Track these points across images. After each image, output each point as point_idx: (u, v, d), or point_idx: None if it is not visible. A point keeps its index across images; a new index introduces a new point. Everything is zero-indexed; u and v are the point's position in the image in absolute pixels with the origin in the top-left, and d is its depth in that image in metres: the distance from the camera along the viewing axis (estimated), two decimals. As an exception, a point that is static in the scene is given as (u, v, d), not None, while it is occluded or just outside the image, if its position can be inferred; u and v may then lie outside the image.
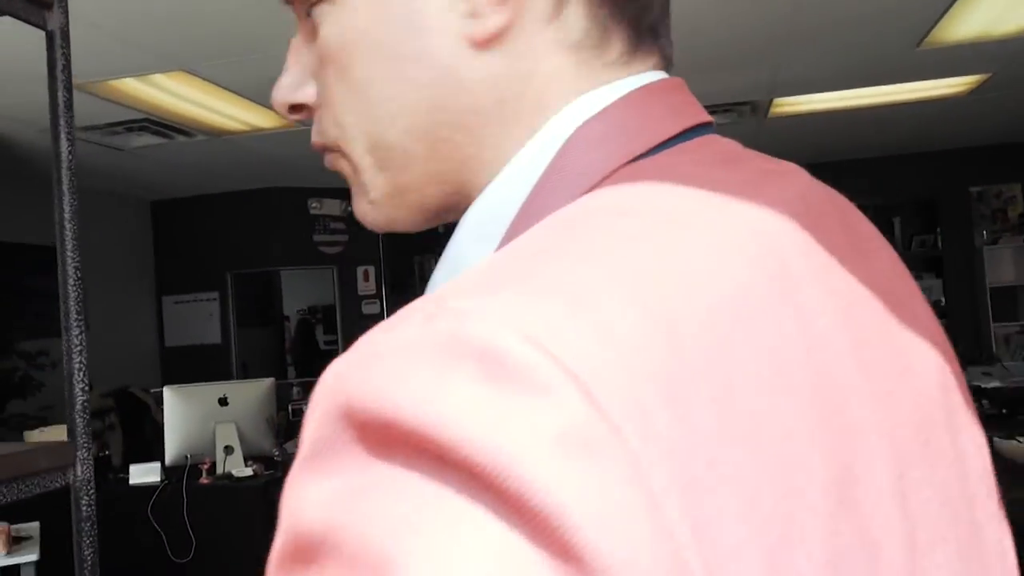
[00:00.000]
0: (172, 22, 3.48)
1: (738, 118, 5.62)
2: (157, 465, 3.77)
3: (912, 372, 0.37)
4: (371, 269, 7.44)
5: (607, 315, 0.27)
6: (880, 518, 0.30)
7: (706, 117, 0.43)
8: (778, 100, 5.35)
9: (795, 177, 0.42)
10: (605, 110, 0.39)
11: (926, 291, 7.28)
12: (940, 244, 7.16)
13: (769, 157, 0.44)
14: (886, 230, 7.36)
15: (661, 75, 0.43)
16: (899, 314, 0.39)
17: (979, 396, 5.00)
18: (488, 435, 0.24)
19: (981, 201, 7.35)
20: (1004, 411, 4.95)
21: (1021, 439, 3.82)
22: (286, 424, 6.64)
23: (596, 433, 0.24)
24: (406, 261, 8.09)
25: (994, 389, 4.94)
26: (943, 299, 7.12)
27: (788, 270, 0.33)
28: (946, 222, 7.14)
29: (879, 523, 0.30)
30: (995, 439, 3.76)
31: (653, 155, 0.38)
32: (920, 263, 7.37)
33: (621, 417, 0.25)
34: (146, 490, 3.65)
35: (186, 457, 3.73)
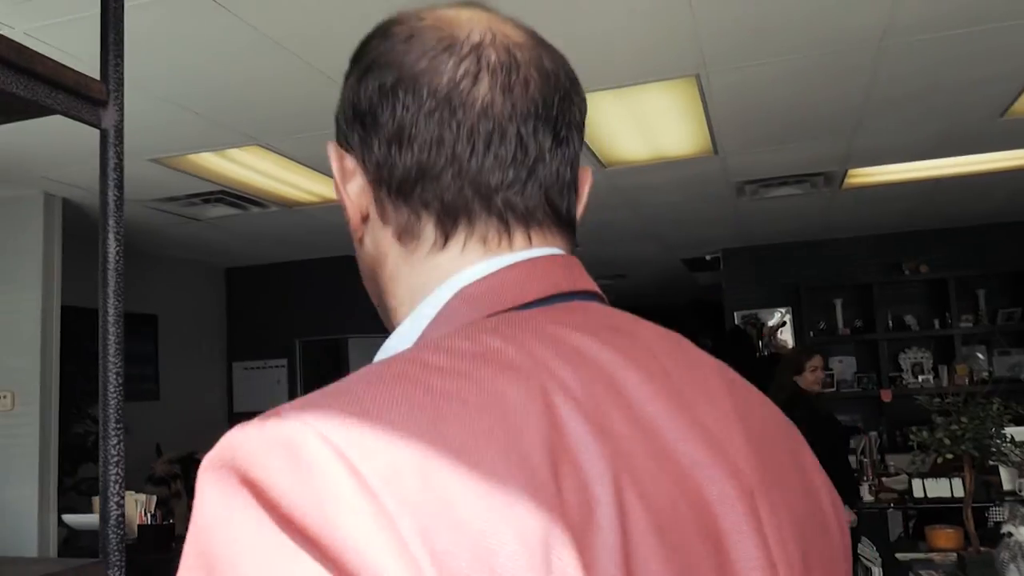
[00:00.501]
0: (247, 100, 3.58)
1: (812, 188, 5.49)
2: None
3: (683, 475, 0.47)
4: (437, 337, 7.42)
5: (379, 424, 0.42)
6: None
7: (546, 291, 0.55)
8: (853, 171, 5.21)
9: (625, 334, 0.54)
10: (468, 285, 0.55)
11: (1016, 367, 6.92)
12: (1030, 318, 6.81)
13: (612, 317, 0.56)
14: (971, 302, 7.07)
15: (523, 255, 0.56)
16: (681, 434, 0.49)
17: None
18: (288, 498, 0.39)
19: (1073, 273, 6.99)
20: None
21: None
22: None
23: (358, 498, 0.38)
24: (472, 329, 8.07)
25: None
26: (1035, 376, 6.74)
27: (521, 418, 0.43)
28: (1036, 295, 6.81)
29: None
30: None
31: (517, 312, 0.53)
32: (1008, 337, 7.01)
33: (379, 487, 0.39)
34: (207, 563, 3.61)
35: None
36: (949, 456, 2.82)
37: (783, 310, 7.53)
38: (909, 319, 7.11)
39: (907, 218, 6.83)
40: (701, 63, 3.41)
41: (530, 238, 0.57)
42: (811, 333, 7.21)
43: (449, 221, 0.55)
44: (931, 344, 7.09)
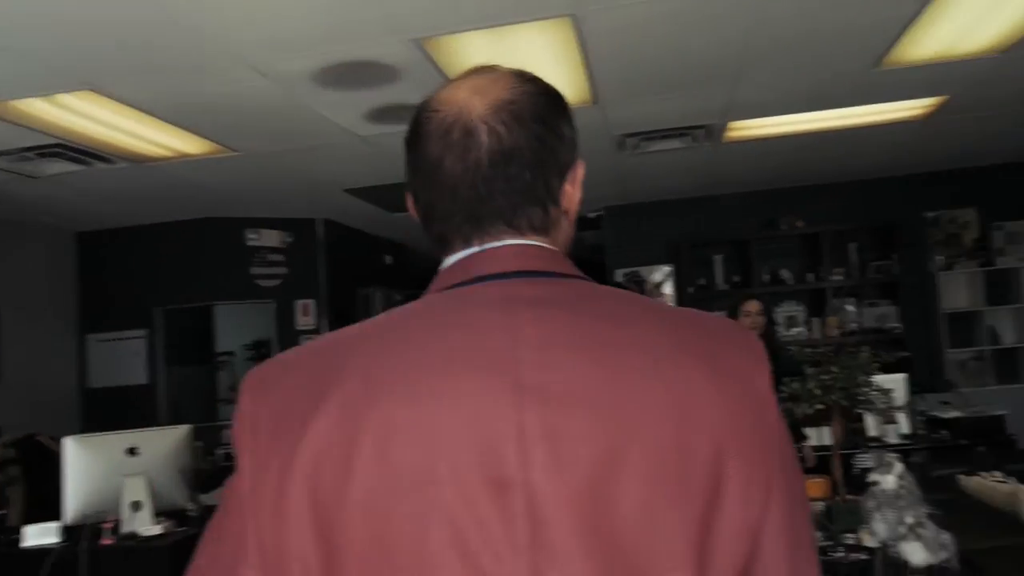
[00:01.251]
0: (75, 37, 3.18)
1: (693, 142, 5.44)
2: (55, 525, 3.39)
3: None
4: (311, 303, 7.11)
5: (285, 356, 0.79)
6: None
7: (501, 265, 0.80)
8: (733, 123, 5.18)
9: (535, 290, 0.78)
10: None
11: (882, 317, 7.16)
12: (896, 270, 7.04)
13: (537, 285, 0.78)
14: (842, 256, 7.25)
15: (468, 251, 0.82)
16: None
17: (939, 426, 4.82)
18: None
19: (936, 227, 7.27)
20: (963, 442, 4.77)
21: (985, 475, 3.61)
22: (212, 471, 6.24)
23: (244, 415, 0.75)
24: (349, 294, 7.77)
25: (953, 419, 4.76)
26: (900, 325, 7.00)
27: (459, 354, 0.72)
28: (902, 248, 7.04)
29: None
30: (959, 476, 3.55)
31: (445, 292, 0.81)
32: (877, 289, 7.25)
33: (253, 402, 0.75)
34: (41, 554, 3.27)
35: (89, 516, 3.36)
36: (820, 407, 2.77)
37: (665, 267, 7.56)
38: (784, 273, 7.25)
39: (784, 173, 6.92)
40: (576, 1, 3.23)
41: (479, 238, 0.83)
42: (690, 289, 7.26)
43: (438, 246, 0.86)
44: (805, 297, 7.26)
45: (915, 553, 2.24)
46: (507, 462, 0.67)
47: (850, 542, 2.62)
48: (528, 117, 0.82)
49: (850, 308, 7.20)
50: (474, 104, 0.82)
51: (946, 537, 2.25)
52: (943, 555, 2.24)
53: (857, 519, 2.75)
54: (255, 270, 6.84)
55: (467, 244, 0.83)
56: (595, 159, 5.85)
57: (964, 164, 7.10)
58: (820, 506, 3.11)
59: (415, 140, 0.85)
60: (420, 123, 0.85)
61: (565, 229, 0.89)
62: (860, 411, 2.83)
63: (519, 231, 0.82)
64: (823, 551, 2.45)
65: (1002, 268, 6.97)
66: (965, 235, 7.22)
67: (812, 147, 6.02)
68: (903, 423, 4.75)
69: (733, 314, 4.31)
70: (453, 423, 0.68)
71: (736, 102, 4.69)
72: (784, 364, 3.35)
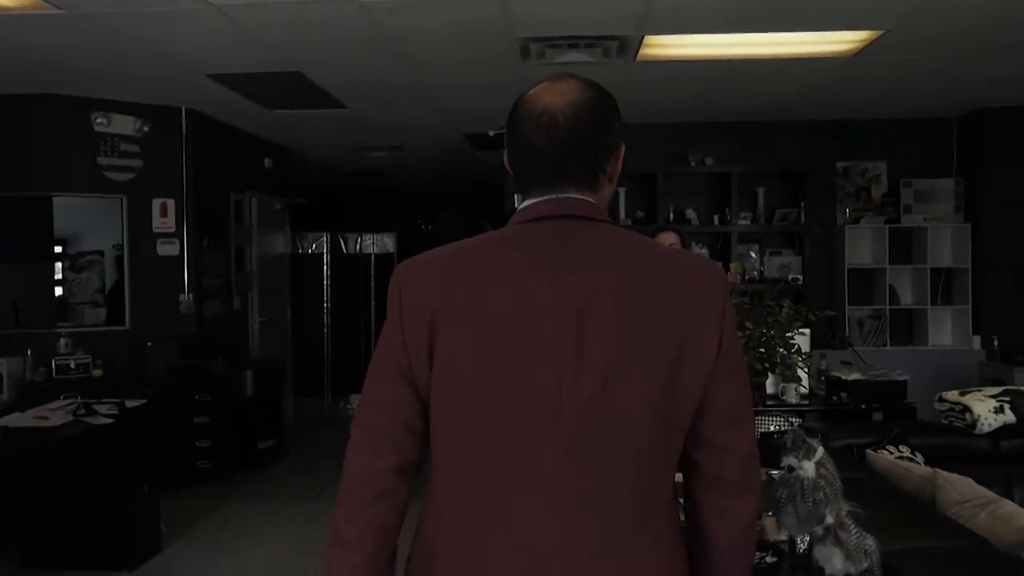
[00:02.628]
0: None
1: (604, 57, 4.87)
2: None
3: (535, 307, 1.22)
4: (170, 203, 6.28)
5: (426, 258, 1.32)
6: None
7: (551, 210, 1.27)
8: (649, 39, 4.63)
9: (572, 230, 1.26)
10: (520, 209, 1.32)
11: (784, 267, 6.89)
12: (803, 219, 6.74)
13: (574, 225, 1.26)
14: (750, 200, 6.90)
15: (540, 199, 1.29)
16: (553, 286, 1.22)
17: (840, 389, 4.53)
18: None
19: (846, 178, 6.99)
20: (864, 407, 4.50)
21: (893, 449, 3.29)
22: (45, 379, 5.48)
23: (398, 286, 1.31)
24: (220, 197, 6.96)
25: (855, 382, 4.47)
26: (801, 277, 6.73)
27: (518, 262, 1.25)
28: (810, 197, 6.73)
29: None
30: (867, 452, 3.21)
31: (521, 224, 1.29)
32: (781, 239, 6.95)
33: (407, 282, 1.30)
34: None
35: None
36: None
37: (565, 196, 7.04)
38: (690, 213, 6.85)
39: (697, 106, 6.46)
40: None
41: (551, 191, 1.29)
42: (592, 222, 6.78)
43: (521, 192, 1.33)
44: (707, 240, 6.90)
45: (832, 560, 1.82)
46: (545, 320, 1.21)
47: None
48: (591, 114, 1.29)
49: (753, 255, 6.89)
50: (556, 102, 1.28)
51: (870, 542, 1.83)
52: (864, 564, 1.82)
53: (761, 501, 2.32)
54: (103, 160, 5.95)
55: (543, 194, 1.30)
56: (496, 68, 5.22)
57: (880, 115, 6.81)
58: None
59: (514, 121, 1.31)
60: (518, 110, 1.31)
61: (607, 189, 1.36)
62: (780, 374, 2.38)
63: (578, 189, 1.30)
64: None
65: (908, 226, 6.77)
66: (875, 190, 6.97)
67: (729, 77, 5.55)
68: (803, 383, 4.44)
69: None
70: (507, 305, 1.23)
71: (654, 9, 4.13)
72: None
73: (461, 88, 5.84)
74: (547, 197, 1.28)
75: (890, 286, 6.76)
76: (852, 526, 1.84)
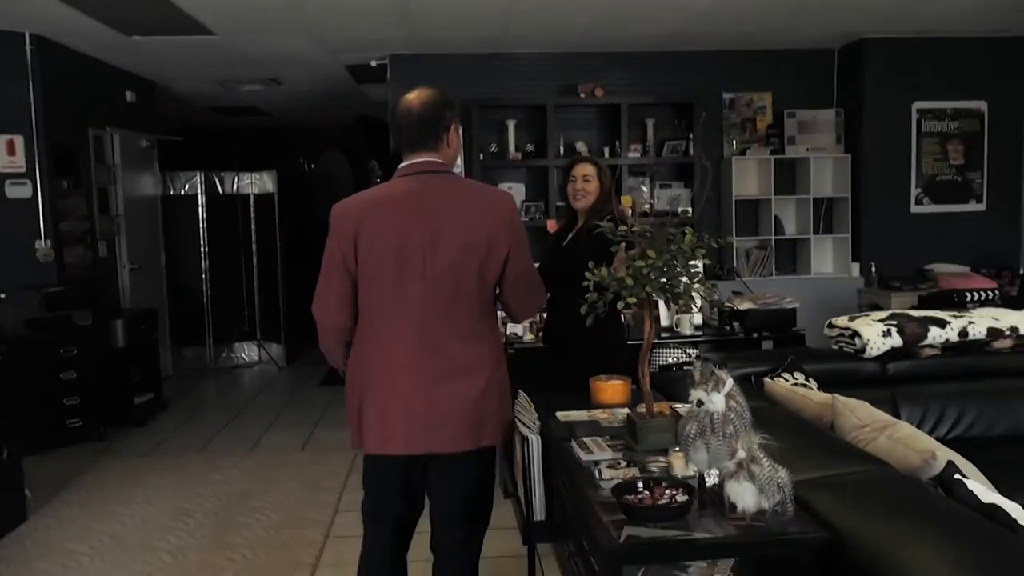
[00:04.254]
0: None
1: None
2: None
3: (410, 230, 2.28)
4: (18, 140, 5.70)
5: (348, 206, 2.36)
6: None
7: (418, 168, 2.35)
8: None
9: (433, 180, 2.33)
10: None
11: (674, 200, 6.89)
12: (691, 151, 6.73)
13: (427, 177, 2.34)
14: (640, 132, 6.84)
15: (412, 160, 2.36)
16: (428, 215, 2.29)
17: (732, 318, 4.56)
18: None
19: (732, 109, 7.01)
20: (756, 335, 4.55)
21: (788, 377, 3.30)
22: None
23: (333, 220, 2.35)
24: (77, 134, 6.37)
25: (747, 311, 4.50)
26: (690, 209, 6.75)
27: (403, 204, 2.30)
28: (698, 129, 6.71)
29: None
30: (764, 380, 3.21)
31: (400, 177, 2.37)
32: (670, 171, 6.93)
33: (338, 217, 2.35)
34: None
35: None
36: (632, 300, 2.19)
37: (453, 129, 6.80)
38: (580, 145, 6.74)
39: (588, 35, 6.29)
40: None
41: (417, 155, 2.35)
42: (481, 156, 6.58)
43: (403, 154, 2.38)
44: (599, 174, 6.79)
45: (745, 496, 1.74)
46: (414, 231, 2.25)
47: (656, 468, 2.12)
48: (431, 106, 2.32)
49: (644, 188, 6.85)
50: (413, 99, 2.33)
51: (782, 475, 1.77)
52: (776, 498, 1.76)
53: (666, 439, 2.25)
54: (-65, 91, 5.32)
55: (409, 157, 2.34)
56: (379, -11, 4.89)
57: (765, 46, 6.82)
58: (620, 415, 2.61)
59: (395, 112, 2.36)
60: (398, 105, 2.35)
61: (447, 151, 2.37)
62: (682, 306, 2.29)
63: (428, 152, 2.33)
64: (629, 485, 1.91)
65: (791, 157, 6.87)
66: (760, 121, 7.03)
67: (622, 4, 5.40)
68: (697, 313, 4.43)
69: (566, 177, 3.70)
70: (396, 228, 2.25)
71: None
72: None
73: (340, 13, 5.47)
74: (412, 160, 2.35)
75: (775, 216, 6.87)
76: (764, 459, 1.77)
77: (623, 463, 2.17)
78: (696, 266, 2.22)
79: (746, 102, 7.00)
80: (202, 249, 8.33)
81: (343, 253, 2.27)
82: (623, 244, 2.62)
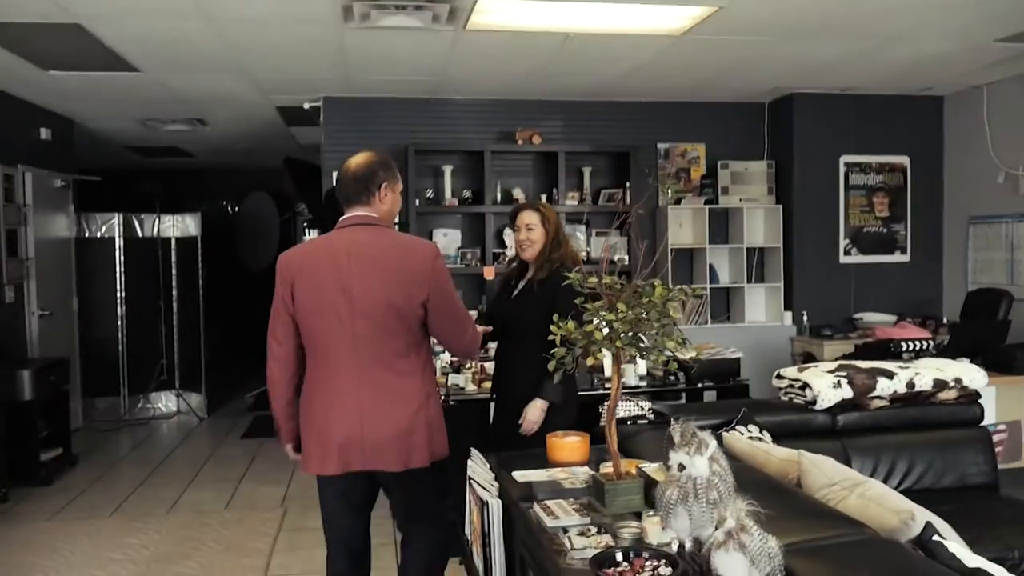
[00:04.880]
0: None
1: (433, 23, 4.53)
2: None
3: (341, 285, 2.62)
4: (-80, 176, 5.32)
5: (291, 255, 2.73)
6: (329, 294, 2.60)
7: (352, 221, 2.68)
8: (482, 3, 4.34)
9: (357, 231, 2.66)
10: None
11: (611, 247, 6.88)
12: (627, 200, 6.74)
13: (358, 228, 2.67)
14: (577, 180, 6.83)
15: (349, 214, 2.71)
16: (355, 272, 2.60)
17: (679, 369, 4.49)
18: None
19: (667, 159, 7.07)
20: (699, 385, 4.49)
21: (743, 430, 3.23)
22: None
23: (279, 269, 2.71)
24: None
25: (691, 360, 4.45)
26: (627, 257, 6.73)
27: (334, 253, 2.62)
28: (634, 178, 6.73)
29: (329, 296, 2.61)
30: (722, 434, 3.12)
31: (337, 229, 2.71)
32: (606, 219, 6.92)
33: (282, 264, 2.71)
34: None
35: None
36: (599, 355, 2.08)
37: (389, 174, 6.66)
38: (517, 192, 6.67)
39: (525, 85, 6.27)
40: None
41: (352, 209, 2.69)
42: (416, 201, 6.45)
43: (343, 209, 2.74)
44: (536, 221, 6.73)
45: (735, 567, 1.62)
46: (342, 276, 2.58)
47: (628, 534, 1.98)
48: (365, 168, 2.68)
49: (580, 236, 6.82)
50: (351, 162, 2.71)
51: (772, 544, 1.66)
52: (767, 568, 1.65)
53: (636, 501, 2.13)
54: None
55: (347, 211, 2.69)
56: (315, 30, 4.77)
57: (700, 98, 6.93)
58: (579, 474, 2.48)
59: (338, 174, 2.75)
60: (340, 169, 2.74)
61: (380, 207, 2.70)
62: (653, 363, 2.18)
63: (361, 206, 2.67)
64: (607, 557, 1.77)
65: (725, 207, 6.95)
66: (694, 171, 7.11)
67: (559, 54, 5.40)
68: (641, 363, 4.35)
69: (512, 226, 3.57)
70: (327, 273, 2.59)
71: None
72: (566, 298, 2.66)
73: (274, 53, 5.30)
74: (348, 214, 2.68)
75: (710, 265, 6.91)
76: (754, 528, 1.66)
77: (593, 529, 2.04)
78: (668, 319, 2.12)
79: (680, 152, 7.08)
80: (119, 294, 7.90)
81: (283, 296, 2.64)
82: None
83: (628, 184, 6.72)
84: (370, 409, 2.57)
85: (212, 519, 4.86)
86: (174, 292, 8.10)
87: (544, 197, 6.68)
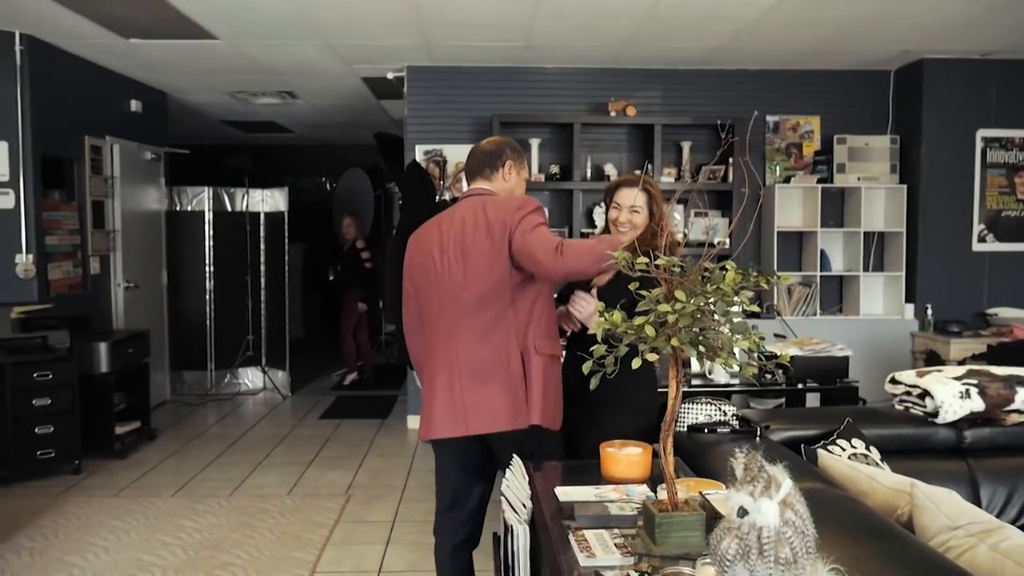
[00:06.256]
0: None
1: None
2: None
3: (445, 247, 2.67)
4: (2, 146, 5.32)
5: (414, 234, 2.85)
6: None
7: (468, 193, 2.71)
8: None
9: (471, 200, 2.67)
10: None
11: (711, 229, 6.34)
12: (730, 177, 6.17)
13: (475, 200, 2.67)
14: (674, 155, 6.31)
15: (471, 191, 2.73)
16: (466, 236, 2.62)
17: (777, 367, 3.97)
18: None
19: (777, 133, 6.45)
20: (801, 386, 3.95)
21: (844, 445, 2.72)
22: None
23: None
24: (71, 142, 5.99)
25: (793, 358, 3.91)
26: (727, 241, 6.17)
27: (443, 221, 2.70)
28: (739, 153, 6.15)
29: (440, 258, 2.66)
30: (818, 452, 2.62)
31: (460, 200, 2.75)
32: (709, 198, 6.37)
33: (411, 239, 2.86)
34: None
35: None
36: (652, 354, 1.65)
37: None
38: (609, 168, 6.21)
39: (620, 50, 5.79)
40: None
41: (474, 183, 2.74)
42: (501, 177, 6.07)
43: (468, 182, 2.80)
44: (629, 200, 6.25)
45: (808, 662, 1.18)
46: (450, 243, 2.63)
47: (678, 586, 1.56)
48: (495, 145, 2.75)
49: (676, 216, 6.30)
50: (482, 142, 2.78)
51: (864, 630, 1.20)
52: (855, 663, 1.19)
53: (695, 539, 1.70)
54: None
55: (470, 183, 2.74)
56: (388, -12, 4.44)
57: (814, 66, 6.27)
58: (635, 494, 2.06)
59: (469, 152, 2.79)
60: (472, 151, 2.78)
61: (502, 183, 2.71)
62: (715, 361, 1.74)
63: (483, 179, 2.72)
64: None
65: (841, 187, 6.28)
66: (806, 146, 6.46)
67: (655, 13, 4.89)
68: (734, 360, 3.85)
69: (608, 201, 3.05)
70: (432, 243, 2.68)
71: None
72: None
73: (349, 19, 5.02)
74: (470, 187, 2.74)
75: (821, 251, 6.27)
76: (837, 604, 1.20)
77: (634, 575, 1.62)
78: (741, 310, 1.67)
79: (791, 126, 6.44)
80: (208, 268, 7.89)
81: (406, 270, 2.80)
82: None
83: (731, 160, 6.15)
84: (469, 376, 2.68)
85: (272, 504, 4.66)
86: (262, 267, 8.03)
87: (638, 174, 6.19)
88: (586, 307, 2.75)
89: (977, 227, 6.22)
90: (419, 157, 6.27)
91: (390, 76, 6.52)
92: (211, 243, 7.87)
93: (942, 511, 1.93)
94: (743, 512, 1.34)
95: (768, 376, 3.93)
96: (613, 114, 6.10)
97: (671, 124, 6.16)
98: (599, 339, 1.75)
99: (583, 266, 2.43)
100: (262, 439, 6.21)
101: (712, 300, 1.65)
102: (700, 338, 1.70)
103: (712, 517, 1.73)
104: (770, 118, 6.44)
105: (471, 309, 2.55)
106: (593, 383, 1.76)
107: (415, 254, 2.72)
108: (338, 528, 4.29)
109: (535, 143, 6.17)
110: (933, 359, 5.98)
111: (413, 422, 6.48)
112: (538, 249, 2.43)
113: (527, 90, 6.32)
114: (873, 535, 1.83)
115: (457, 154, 6.25)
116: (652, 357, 1.67)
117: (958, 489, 2.26)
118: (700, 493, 1.85)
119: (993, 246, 6.23)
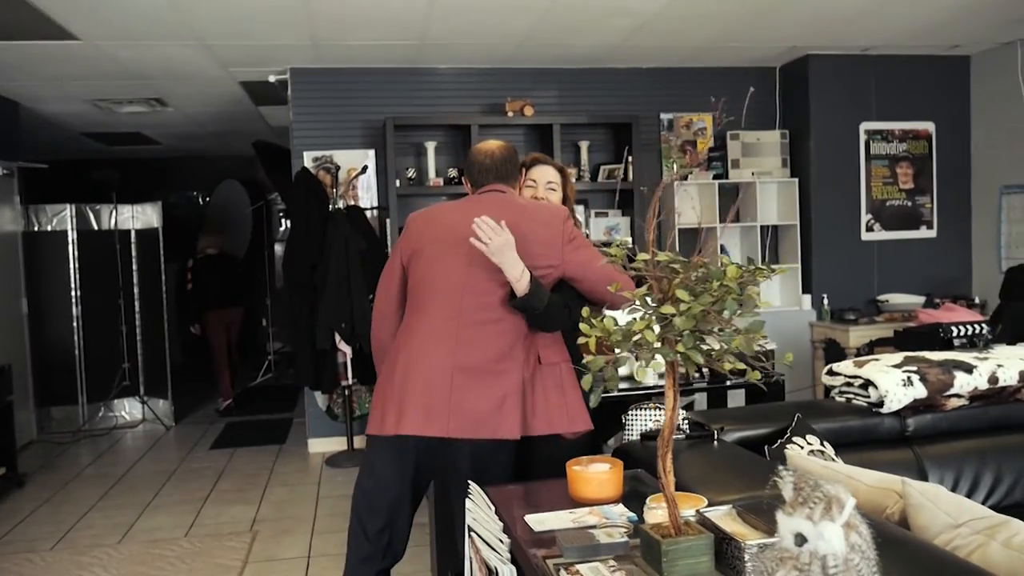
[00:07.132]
0: None
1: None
2: None
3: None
4: None
5: (420, 213, 2.75)
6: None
7: (485, 190, 2.65)
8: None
9: (493, 197, 2.61)
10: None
11: (612, 229, 6.27)
12: (630, 176, 6.12)
13: (497, 196, 2.63)
14: (573, 155, 6.21)
15: (488, 189, 2.65)
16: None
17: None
18: None
19: (671, 131, 6.46)
20: (727, 383, 3.89)
21: (801, 442, 2.62)
22: None
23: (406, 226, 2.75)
24: None
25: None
26: (630, 239, 6.12)
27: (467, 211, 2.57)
28: (637, 152, 6.11)
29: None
30: (785, 451, 2.51)
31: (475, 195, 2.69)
32: (607, 199, 6.31)
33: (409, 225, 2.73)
34: None
35: None
36: (645, 367, 1.47)
37: (366, 151, 6.02)
38: (509, 170, 6.04)
39: (516, 49, 5.64)
40: None
41: (490, 184, 2.64)
42: (397, 182, 5.81)
43: (474, 187, 2.70)
44: (529, 202, 6.11)
45: None
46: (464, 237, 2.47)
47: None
48: (511, 152, 2.68)
49: (578, 217, 6.18)
50: (494, 146, 2.67)
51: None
52: None
53: (704, 565, 1.52)
54: None
55: (480, 189, 2.65)
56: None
57: (705, 63, 6.32)
58: (618, 518, 1.87)
59: (473, 155, 2.67)
60: (474, 150, 2.69)
61: (517, 186, 2.73)
62: (723, 370, 1.58)
63: (503, 184, 2.64)
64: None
65: (736, 182, 6.34)
66: (700, 143, 6.50)
67: (552, 11, 4.77)
68: (660, 360, 3.73)
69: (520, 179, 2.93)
70: (453, 227, 2.58)
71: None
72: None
73: (230, 15, 4.65)
74: (488, 189, 2.64)
75: (720, 246, 6.32)
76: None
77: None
78: (757, 319, 1.51)
79: (685, 123, 6.47)
80: (74, 293, 7.21)
81: (404, 247, 2.68)
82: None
83: (629, 158, 6.10)
84: (465, 374, 2.71)
85: (169, 549, 4.23)
86: (135, 289, 7.42)
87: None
88: (496, 237, 2.36)
89: (865, 217, 6.41)
90: (308, 164, 5.91)
91: (272, 79, 6.13)
92: (76, 265, 7.20)
93: (941, 509, 1.83)
94: (801, 540, 1.17)
95: (697, 375, 3.84)
96: (510, 114, 5.94)
97: (569, 124, 6.06)
98: (592, 348, 1.55)
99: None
100: (148, 476, 5.68)
101: (717, 300, 1.48)
102: (698, 343, 1.53)
103: (719, 539, 1.57)
104: (664, 116, 6.44)
105: (478, 307, 2.48)
106: (593, 400, 1.56)
107: (425, 231, 2.60)
108: (248, 570, 3.92)
109: (431, 146, 5.93)
110: (832, 347, 6.12)
111: (315, 445, 6.10)
112: (601, 283, 2.52)
113: (421, 92, 6.07)
114: (882, 540, 1.71)
115: (349, 160, 5.94)
116: (644, 366, 1.48)
117: (907, 477, 2.20)
118: (697, 511, 1.68)
119: (880, 235, 6.44)
